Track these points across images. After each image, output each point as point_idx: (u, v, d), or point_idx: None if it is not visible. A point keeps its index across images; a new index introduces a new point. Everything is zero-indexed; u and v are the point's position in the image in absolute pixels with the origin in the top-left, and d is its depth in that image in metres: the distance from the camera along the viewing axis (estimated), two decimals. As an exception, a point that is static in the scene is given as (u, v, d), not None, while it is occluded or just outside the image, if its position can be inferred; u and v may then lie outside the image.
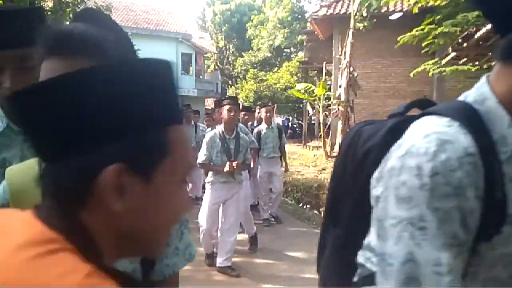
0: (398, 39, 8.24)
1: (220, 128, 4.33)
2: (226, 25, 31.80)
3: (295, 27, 26.19)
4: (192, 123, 7.66)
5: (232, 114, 4.21)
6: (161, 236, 0.57)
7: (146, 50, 17.92)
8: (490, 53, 7.08)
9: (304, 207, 7.07)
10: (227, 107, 4.22)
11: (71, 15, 11.27)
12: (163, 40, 24.13)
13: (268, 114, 6.11)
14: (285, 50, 29.84)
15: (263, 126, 6.11)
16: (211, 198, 4.29)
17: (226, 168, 4.09)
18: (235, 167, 4.11)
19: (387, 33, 11.16)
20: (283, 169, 6.41)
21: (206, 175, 4.46)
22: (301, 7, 28.07)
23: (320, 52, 16.39)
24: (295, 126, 26.02)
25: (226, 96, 7.53)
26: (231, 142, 4.25)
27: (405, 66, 11.85)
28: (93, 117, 0.47)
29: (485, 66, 7.83)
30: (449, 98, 10.23)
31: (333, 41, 13.84)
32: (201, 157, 4.23)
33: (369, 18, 10.72)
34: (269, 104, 9.20)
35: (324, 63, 14.22)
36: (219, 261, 4.26)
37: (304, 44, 19.77)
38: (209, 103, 31.93)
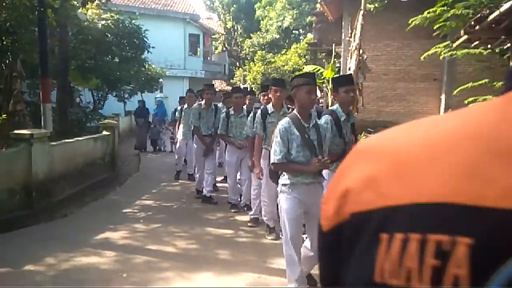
0: (410, 21, 8.10)
1: (293, 115, 3.38)
2: (235, 5, 31.39)
3: (304, 8, 25.80)
4: (212, 106, 6.87)
5: (312, 96, 3.32)
6: None
7: (153, 30, 17.74)
8: (503, 36, 6.94)
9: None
10: (305, 88, 3.28)
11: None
12: (171, 21, 23.95)
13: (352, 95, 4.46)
14: (293, 31, 29.46)
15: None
16: (293, 206, 3.27)
17: (317, 167, 3.18)
18: (327, 162, 3.20)
19: (398, 15, 10.98)
20: None
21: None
22: (311, -13, 27.62)
23: (329, 34, 16.16)
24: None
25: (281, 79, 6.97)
26: (311, 132, 3.36)
27: (415, 48, 11.68)
28: None
29: (497, 50, 7.70)
30: (459, 82, 10.13)
31: (343, 22, 13.64)
32: (276, 155, 3.25)
33: (380, -1, 10.53)
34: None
35: (333, 45, 14.04)
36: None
37: (313, 25, 19.48)
38: (217, 84, 31.79)
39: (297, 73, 18.31)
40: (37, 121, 7.60)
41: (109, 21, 13.58)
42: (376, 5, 10.59)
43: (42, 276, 3.82)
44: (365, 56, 11.17)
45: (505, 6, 5.94)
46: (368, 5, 10.59)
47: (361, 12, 10.50)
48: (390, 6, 10.56)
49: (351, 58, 11.28)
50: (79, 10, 11.72)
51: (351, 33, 11.55)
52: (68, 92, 11.60)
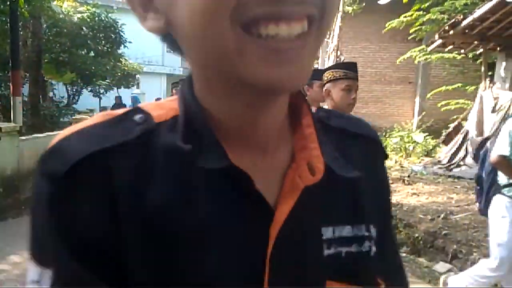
0: (387, 24, 8.24)
1: None
2: None
3: (284, 8, 25.92)
4: None
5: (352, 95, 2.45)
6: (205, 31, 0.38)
7: (131, 25, 17.50)
8: (476, 42, 7.13)
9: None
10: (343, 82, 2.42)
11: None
12: (149, 16, 23.64)
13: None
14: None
15: None
16: None
17: None
18: None
19: (376, 18, 11.13)
20: None
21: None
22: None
23: (308, 34, 16.30)
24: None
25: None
26: None
27: (392, 51, 11.88)
28: None
29: (470, 55, 7.90)
30: (433, 85, 10.32)
31: (322, 23, 13.76)
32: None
33: (359, 1, 10.68)
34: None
35: (312, 45, 14.15)
36: None
37: (293, 25, 19.60)
38: (195, 82, 31.57)
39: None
40: (9, 115, 7.37)
41: (85, 14, 13.30)
42: (355, 7, 10.73)
43: (6, 275, 3.70)
44: (342, 58, 11.29)
45: (478, 12, 6.10)
46: (346, 7, 10.72)
47: (340, 14, 10.62)
48: (368, 9, 10.70)
49: (328, 59, 11.39)
50: (54, 2, 11.43)
51: (329, 34, 11.66)
52: (41, 85, 11.30)
